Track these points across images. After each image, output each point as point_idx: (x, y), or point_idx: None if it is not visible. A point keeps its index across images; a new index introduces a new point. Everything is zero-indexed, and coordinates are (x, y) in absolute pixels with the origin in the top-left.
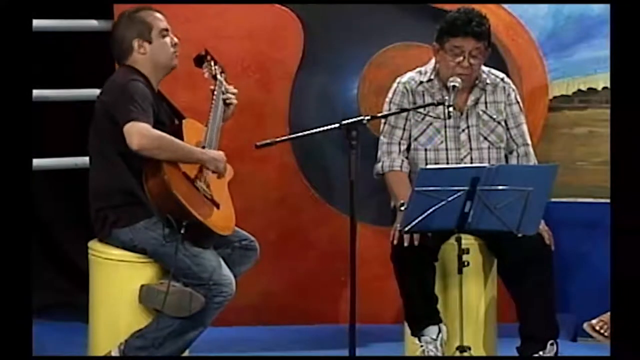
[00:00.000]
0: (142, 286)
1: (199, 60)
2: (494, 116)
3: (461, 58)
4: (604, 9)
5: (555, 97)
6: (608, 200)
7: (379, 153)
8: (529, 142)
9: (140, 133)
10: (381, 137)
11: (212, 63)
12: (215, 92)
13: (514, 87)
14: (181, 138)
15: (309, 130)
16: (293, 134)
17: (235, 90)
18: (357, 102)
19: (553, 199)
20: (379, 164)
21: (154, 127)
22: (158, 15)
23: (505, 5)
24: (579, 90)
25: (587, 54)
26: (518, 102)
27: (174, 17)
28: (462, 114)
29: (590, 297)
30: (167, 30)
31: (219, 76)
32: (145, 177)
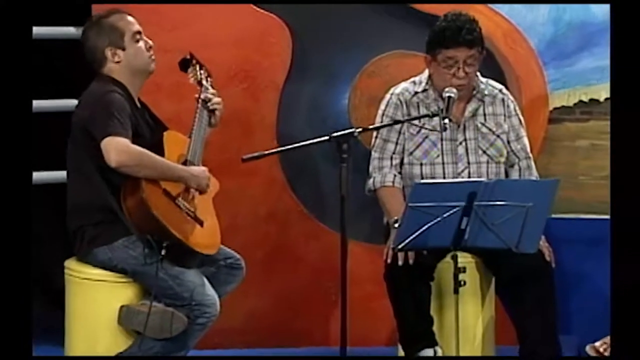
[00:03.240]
0: (121, 307)
1: (184, 64)
2: (493, 129)
3: (455, 69)
4: (606, 16)
5: (555, 109)
6: None
7: (370, 168)
8: (531, 155)
9: (118, 149)
10: (372, 152)
11: (198, 67)
12: (201, 99)
13: (512, 98)
14: (162, 152)
15: (297, 142)
16: (281, 146)
17: (217, 96)
18: (348, 113)
19: (554, 215)
20: (371, 180)
21: (133, 140)
22: (129, 18)
23: (503, 12)
24: (581, 101)
25: (589, 63)
26: (518, 114)
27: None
28: (459, 126)
29: (593, 318)
30: (139, 33)
31: (204, 82)
32: (124, 195)
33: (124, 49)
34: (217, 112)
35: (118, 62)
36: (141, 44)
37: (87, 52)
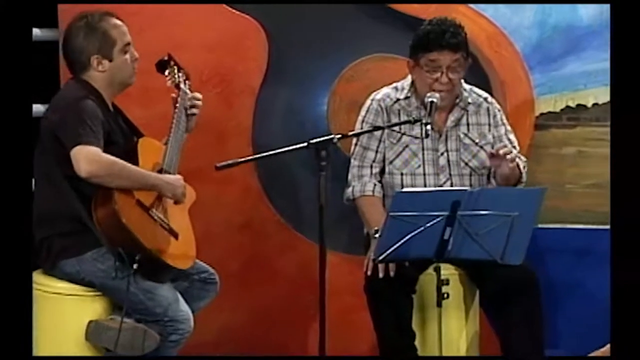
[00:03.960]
0: (90, 322)
1: (161, 66)
2: (476, 140)
3: (439, 74)
4: (592, 19)
5: (541, 114)
6: (599, 226)
7: (349, 177)
8: (523, 162)
9: (88, 158)
10: (352, 160)
11: (176, 69)
12: (179, 103)
13: (499, 107)
14: (136, 160)
15: (274, 149)
16: (257, 153)
17: (200, 96)
18: (327, 119)
19: (540, 225)
20: (349, 189)
21: (106, 148)
22: (122, 26)
23: (488, 15)
24: (568, 106)
25: (576, 67)
26: (505, 124)
27: (126, 27)
28: (440, 135)
29: (581, 331)
30: (129, 44)
31: (182, 85)
32: (95, 206)
33: (111, 60)
34: (194, 118)
35: (102, 71)
36: (128, 56)
37: (70, 51)
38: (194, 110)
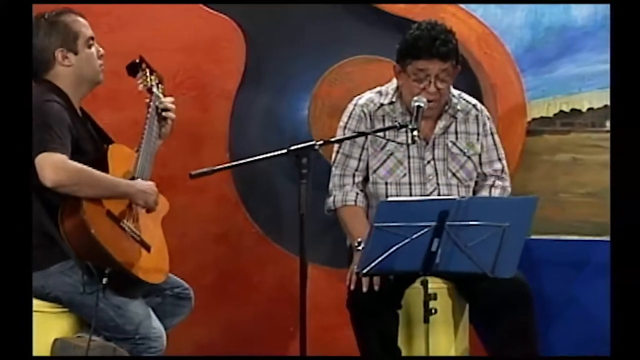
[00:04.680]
0: (55, 340)
1: (133, 69)
2: (464, 149)
3: (427, 82)
4: (588, 19)
5: (534, 119)
6: (596, 238)
7: (330, 186)
8: (507, 177)
9: (54, 167)
10: (333, 168)
11: (148, 72)
12: (151, 108)
13: (488, 114)
14: (106, 168)
15: (252, 156)
16: (234, 160)
17: (172, 100)
18: (308, 124)
19: (532, 236)
20: (330, 199)
21: (73, 155)
22: (83, 20)
23: (478, 15)
24: (561, 111)
25: (570, 69)
26: (493, 133)
27: (96, 26)
28: (427, 143)
29: (576, 346)
30: (92, 38)
31: (155, 89)
32: (61, 217)
33: (76, 53)
34: (168, 123)
35: (68, 66)
36: (93, 50)
37: (33, 53)
38: (168, 115)
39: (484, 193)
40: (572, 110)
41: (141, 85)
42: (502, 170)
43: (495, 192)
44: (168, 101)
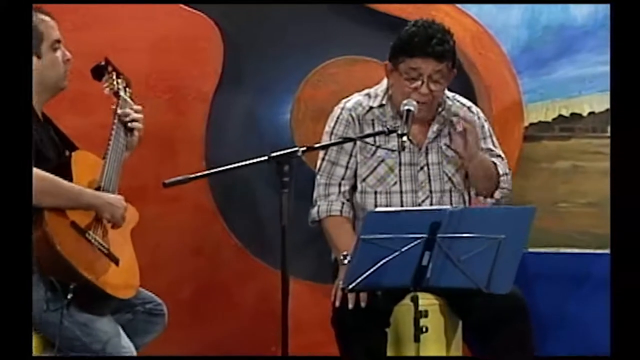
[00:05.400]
0: None
1: (98, 72)
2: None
3: (419, 82)
4: (588, 18)
5: (531, 124)
6: (597, 251)
7: (315, 195)
8: (510, 186)
9: None
10: (317, 177)
11: (115, 76)
12: (118, 114)
13: (484, 117)
14: (70, 176)
15: (230, 163)
16: (211, 168)
17: (140, 109)
18: (291, 129)
19: (530, 249)
20: (315, 209)
21: (35, 162)
22: (50, 21)
23: (471, 12)
24: (561, 115)
25: (569, 71)
26: (492, 136)
27: (60, 25)
28: (420, 148)
29: None
30: (59, 41)
31: (122, 93)
32: None
33: (39, 57)
34: (136, 133)
35: None
36: (59, 54)
37: None
38: (134, 126)
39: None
40: (572, 114)
41: (107, 89)
42: (506, 174)
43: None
44: (134, 111)
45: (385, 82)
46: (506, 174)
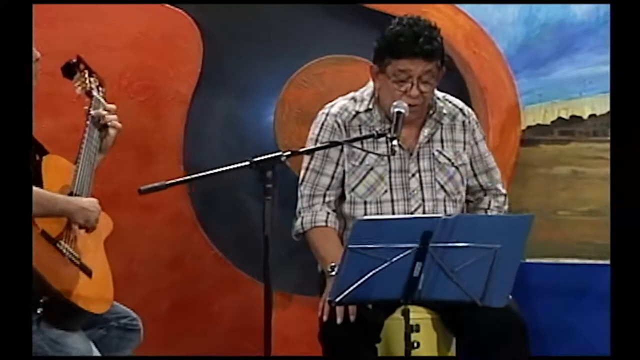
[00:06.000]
0: None
1: (69, 70)
2: (452, 159)
3: (408, 85)
4: (588, 15)
5: (529, 127)
6: (598, 261)
7: (299, 206)
8: (504, 191)
9: None
10: (301, 187)
11: (87, 74)
12: (91, 115)
13: (477, 120)
14: (40, 182)
15: (210, 169)
16: (189, 174)
17: (114, 108)
18: (274, 133)
19: (527, 260)
20: (298, 221)
21: None
22: None
23: (465, 9)
24: (560, 118)
25: (569, 71)
26: (484, 140)
27: None
28: (411, 154)
29: None
30: None
31: (95, 93)
32: None
33: None
34: (111, 133)
35: None
36: None
37: None
38: (114, 125)
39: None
40: (572, 117)
41: (79, 89)
42: (500, 184)
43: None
44: (109, 110)
45: (371, 84)
46: (503, 204)
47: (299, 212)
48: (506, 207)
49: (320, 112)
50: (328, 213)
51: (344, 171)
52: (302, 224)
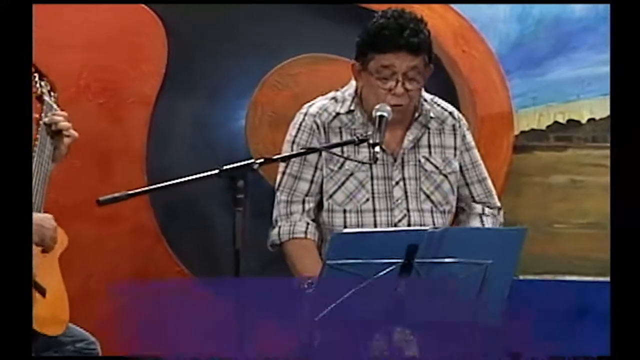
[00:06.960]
0: None
1: None
2: (440, 166)
3: (393, 83)
4: (587, 11)
5: (523, 132)
6: (597, 278)
7: (275, 215)
8: (499, 204)
9: None
10: (277, 193)
11: (38, 78)
12: (43, 122)
13: (467, 124)
14: None
15: (175, 178)
16: (153, 183)
17: (65, 115)
18: (245, 138)
19: (521, 276)
20: (275, 231)
21: None
22: None
23: (453, 4)
24: (556, 122)
25: (565, 71)
26: (475, 147)
27: None
28: (395, 159)
29: None
30: None
31: (47, 97)
32: None
33: None
34: (64, 141)
35: None
36: None
37: None
38: (70, 133)
39: (475, 223)
40: (569, 121)
41: None
42: (495, 196)
43: (487, 222)
44: (60, 117)
45: (353, 84)
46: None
47: (276, 221)
48: (501, 219)
49: (299, 112)
50: (308, 223)
51: (322, 176)
52: (279, 234)
